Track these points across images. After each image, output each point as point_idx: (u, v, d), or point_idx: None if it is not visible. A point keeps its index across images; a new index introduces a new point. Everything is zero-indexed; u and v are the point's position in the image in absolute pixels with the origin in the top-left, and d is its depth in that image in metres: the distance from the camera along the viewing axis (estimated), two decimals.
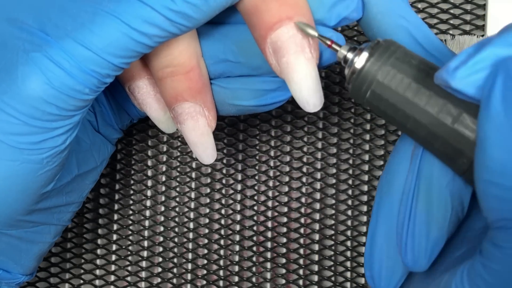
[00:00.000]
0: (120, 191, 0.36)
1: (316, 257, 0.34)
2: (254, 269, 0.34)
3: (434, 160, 0.21)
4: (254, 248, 0.34)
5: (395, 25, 0.23)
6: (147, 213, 0.35)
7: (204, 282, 0.35)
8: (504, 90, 0.16)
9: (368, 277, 0.23)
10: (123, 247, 0.35)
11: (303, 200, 0.34)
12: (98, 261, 0.36)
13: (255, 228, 0.34)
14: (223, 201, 0.35)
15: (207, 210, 0.35)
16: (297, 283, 0.34)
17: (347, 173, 0.34)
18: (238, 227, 0.34)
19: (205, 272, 0.35)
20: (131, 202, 0.35)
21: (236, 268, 0.34)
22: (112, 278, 0.35)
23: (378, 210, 0.23)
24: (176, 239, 0.35)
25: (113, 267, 0.35)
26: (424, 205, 0.21)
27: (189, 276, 0.35)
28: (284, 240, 0.34)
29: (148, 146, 0.35)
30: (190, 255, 0.35)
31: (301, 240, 0.34)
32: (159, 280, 0.35)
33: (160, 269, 0.35)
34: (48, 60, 0.20)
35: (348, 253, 0.33)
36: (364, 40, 0.34)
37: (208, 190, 0.35)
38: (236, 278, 0.34)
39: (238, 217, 0.34)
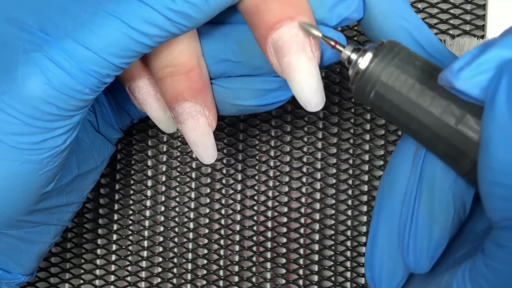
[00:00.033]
0: (120, 191, 0.35)
1: (316, 257, 0.34)
2: (254, 269, 0.34)
3: (436, 161, 0.21)
4: (254, 248, 0.34)
5: (396, 26, 0.23)
6: (147, 213, 0.35)
7: (204, 282, 0.34)
8: (508, 91, 0.16)
9: (369, 278, 0.23)
10: (123, 247, 0.35)
11: (303, 200, 0.34)
12: (98, 261, 0.36)
13: (255, 228, 0.34)
14: (223, 201, 0.35)
15: (207, 210, 0.35)
16: (297, 283, 0.34)
17: (347, 173, 0.34)
18: (238, 227, 0.34)
19: (205, 272, 0.35)
20: (131, 202, 0.35)
21: (236, 268, 0.34)
22: (112, 278, 0.35)
23: (380, 211, 0.23)
24: (176, 239, 0.35)
25: (113, 267, 0.35)
26: (426, 206, 0.21)
27: (189, 276, 0.35)
28: (284, 240, 0.34)
29: (148, 146, 0.35)
30: (190, 255, 0.35)
31: (301, 240, 0.34)
32: (159, 280, 0.35)
33: (160, 269, 0.35)
34: (48, 60, 0.20)
35: (348, 253, 0.33)
36: (365, 40, 0.34)
37: (208, 190, 0.35)
38: (236, 278, 0.34)
39: (238, 217, 0.34)
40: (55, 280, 0.36)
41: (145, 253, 0.35)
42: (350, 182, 0.34)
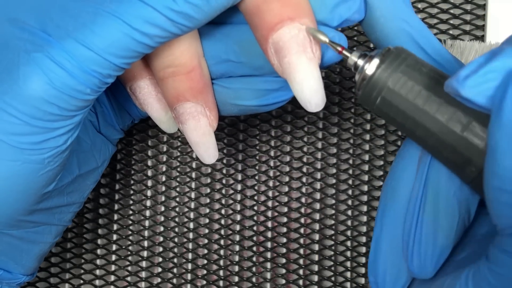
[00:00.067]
0: (120, 191, 0.35)
1: (316, 257, 0.34)
2: (254, 269, 0.34)
3: (442, 168, 0.21)
4: (254, 248, 0.34)
5: (398, 29, 0.23)
6: (147, 213, 0.35)
7: (204, 282, 0.34)
8: None
9: (372, 282, 0.23)
10: (123, 247, 0.35)
11: (303, 200, 0.34)
12: (98, 261, 0.36)
13: (255, 228, 0.34)
14: (223, 201, 0.35)
15: (207, 210, 0.35)
16: (297, 283, 0.34)
17: (347, 173, 0.34)
18: (238, 227, 0.34)
19: (205, 272, 0.35)
20: (131, 202, 0.35)
21: (236, 268, 0.34)
22: (112, 278, 0.35)
23: (383, 216, 0.23)
24: (176, 239, 0.35)
25: (113, 267, 0.35)
26: (431, 213, 0.21)
27: (189, 276, 0.35)
28: (284, 240, 0.34)
29: (148, 146, 0.35)
30: (190, 255, 0.35)
31: (301, 240, 0.34)
32: (159, 280, 0.35)
33: (160, 269, 0.35)
34: (49, 60, 0.20)
35: (348, 253, 0.34)
36: (365, 40, 0.34)
37: (208, 190, 0.35)
38: (236, 278, 0.34)
39: (238, 217, 0.34)
40: (55, 280, 0.36)
41: (145, 253, 0.35)
42: (350, 182, 0.34)
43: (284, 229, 0.34)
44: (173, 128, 0.28)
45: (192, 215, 0.35)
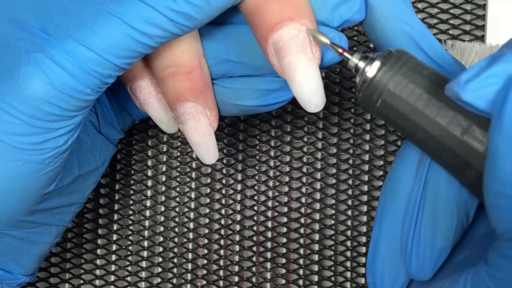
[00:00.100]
0: (120, 191, 0.35)
1: (316, 257, 0.34)
2: (254, 269, 0.34)
3: (441, 170, 0.21)
4: (254, 248, 0.34)
5: (398, 30, 0.23)
6: (147, 213, 0.35)
7: (204, 282, 0.35)
8: None
9: (370, 283, 0.23)
10: (123, 247, 0.35)
11: (303, 200, 0.34)
12: (98, 261, 0.36)
13: (255, 228, 0.34)
14: (223, 201, 0.35)
15: (207, 210, 0.35)
16: (297, 283, 0.34)
17: (347, 173, 0.34)
18: (238, 227, 0.34)
19: (205, 272, 0.35)
20: (131, 202, 0.35)
21: (236, 268, 0.34)
22: (112, 278, 0.35)
23: (382, 217, 0.23)
24: (176, 239, 0.35)
25: (113, 267, 0.35)
26: (430, 215, 0.21)
27: (189, 276, 0.35)
28: (284, 240, 0.34)
29: (148, 146, 0.35)
30: (190, 255, 0.35)
31: (301, 240, 0.34)
32: (159, 280, 0.35)
33: (160, 269, 0.35)
34: (50, 61, 0.20)
35: (348, 253, 0.34)
36: (365, 40, 0.34)
37: (208, 190, 0.35)
38: (236, 278, 0.34)
39: (238, 217, 0.34)
40: (55, 280, 0.36)
41: (145, 253, 0.35)
42: (350, 182, 0.34)
43: (284, 229, 0.34)
44: (174, 128, 0.28)
45: (192, 215, 0.35)
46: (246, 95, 0.25)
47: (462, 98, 0.17)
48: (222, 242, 0.34)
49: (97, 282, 0.35)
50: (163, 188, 0.35)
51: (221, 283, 0.34)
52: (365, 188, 0.34)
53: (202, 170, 0.35)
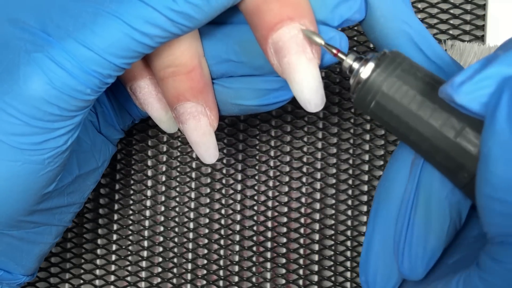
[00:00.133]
0: (120, 191, 0.35)
1: (316, 257, 0.34)
2: (254, 269, 0.34)
3: (434, 171, 0.21)
4: (254, 248, 0.34)
5: (397, 30, 0.23)
6: (147, 213, 0.35)
7: (204, 282, 0.35)
8: (509, 108, 0.16)
9: (363, 282, 0.23)
10: (123, 247, 0.35)
11: (303, 200, 0.34)
12: (98, 261, 0.36)
13: (255, 228, 0.34)
14: (223, 201, 0.35)
15: (207, 210, 0.35)
16: (297, 283, 0.34)
17: (347, 173, 0.34)
18: (238, 227, 0.34)
19: (205, 272, 0.35)
20: (131, 202, 0.35)
21: (236, 268, 0.34)
22: (112, 278, 0.35)
23: (376, 216, 0.23)
24: (176, 239, 0.35)
25: (113, 267, 0.35)
26: (423, 215, 0.21)
27: (189, 276, 0.35)
28: (284, 240, 0.34)
29: (148, 146, 0.35)
30: (190, 255, 0.35)
31: (301, 240, 0.34)
32: (159, 280, 0.35)
33: (160, 269, 0.35)
34: (49, 61, 0.20)
35: (348, 253, 0.34)
36: (364, 40, 0.34)
37: (208, 190, 0.35)
38: (236, 278, 0.34)
39: (238, 217, 0.34)
40: (55, 280, 0.36)
41: (145, 253, 0.35)
42: (350, 182, 0.34)
43: (284, 229, 0.34)
44: (174, 128, 0.28)
45: (192, 215, 0.35)
46: (246, 95, 0.25)
47: (455, 100, 0.17)
48: (222, 242, 0.34)
49: (97, 282, 0.35)
50: (163, 188, 0.35)
51: (221, 283, 0.34)
52: (365, 188, 0.34)
53: (202, 170, 0.35)
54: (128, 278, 0.35)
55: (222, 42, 0.24)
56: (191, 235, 0.35)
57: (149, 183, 0.35)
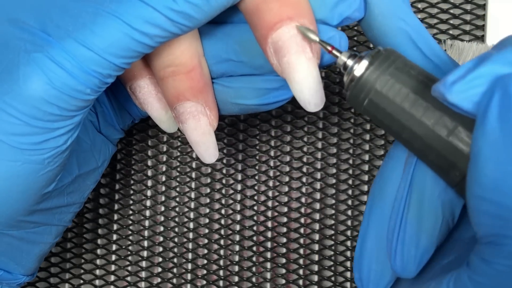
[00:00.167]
0: (120, 191, 0.35)
1: (316, 257, 0.34)
2: (254, 269, 0.34)
3: (427, 169, 0.21)
4: (254, 248, 0.34)
5: (395, 28, 0.23)
6: (147, 213, 0.35)
7: (204, 282, 0.34)
8: (500, 107, 0.16)
9: (357, 279, 0.23)
10: (123, 247, 0.35)
11: (303, 200, 0.34)
12: (98, 261, 0.36)
13: (255, 228, 0.34)
14: (223, 201, 0.35)
15: (207, 210, 0.35)
16: (297, 283, 0.34)
17: (347, 173, 0.34)
18: (238, 227, 0.34)
19: (205, 272, 0.35)
20: (131, 202, 0.35)
21: (236, 268, 0.34)
22: (112, 278, 0.35)
23: (370, 214, 0.23)
24: (176, 239, 0.35)
25: (113, 267, 0.35)
26: (415, 213, 0.21)
27: (189, 276, 0.35)
28: (284, 240, 0.34)
29: (148, 146, 0.35)
30: (190, 255, 0.35)
31: (301, 240, 0.34)
32: (159, 280, 0.35)
33: (160, 269, 0.35)
34: (49, 61, 0.20)
35: (348, 253, 0.34)
36: (364, 40, 0.34)
37: (208, 190, 0.35)
38: (236, 278, 0.34)
39: (238, 217, 0.34)
40: (55, 280, 0.36)
41: (145, 253, 0.35)
42: (350, 182, 0.34)
43: (284, 229, 0.34)
44: (173, 127, 0.28)
45: (192, 215, 0.35)
46: (246, 94, 0.25)
47: (448, 99, 0.17)
48: (222, 242, 0.34)
49: (97, 282, 0.35)
50: (163, 188, 0.35)
51: (221, 283, 0.34)
52: (365, 188, 0.34)
53: (202, 170, 0.35)
54: (128, 278, 0.35)
55: (222, 42, 0.24)
56: (191, 235, 0.35)
57: (149, 183, 0.35)
